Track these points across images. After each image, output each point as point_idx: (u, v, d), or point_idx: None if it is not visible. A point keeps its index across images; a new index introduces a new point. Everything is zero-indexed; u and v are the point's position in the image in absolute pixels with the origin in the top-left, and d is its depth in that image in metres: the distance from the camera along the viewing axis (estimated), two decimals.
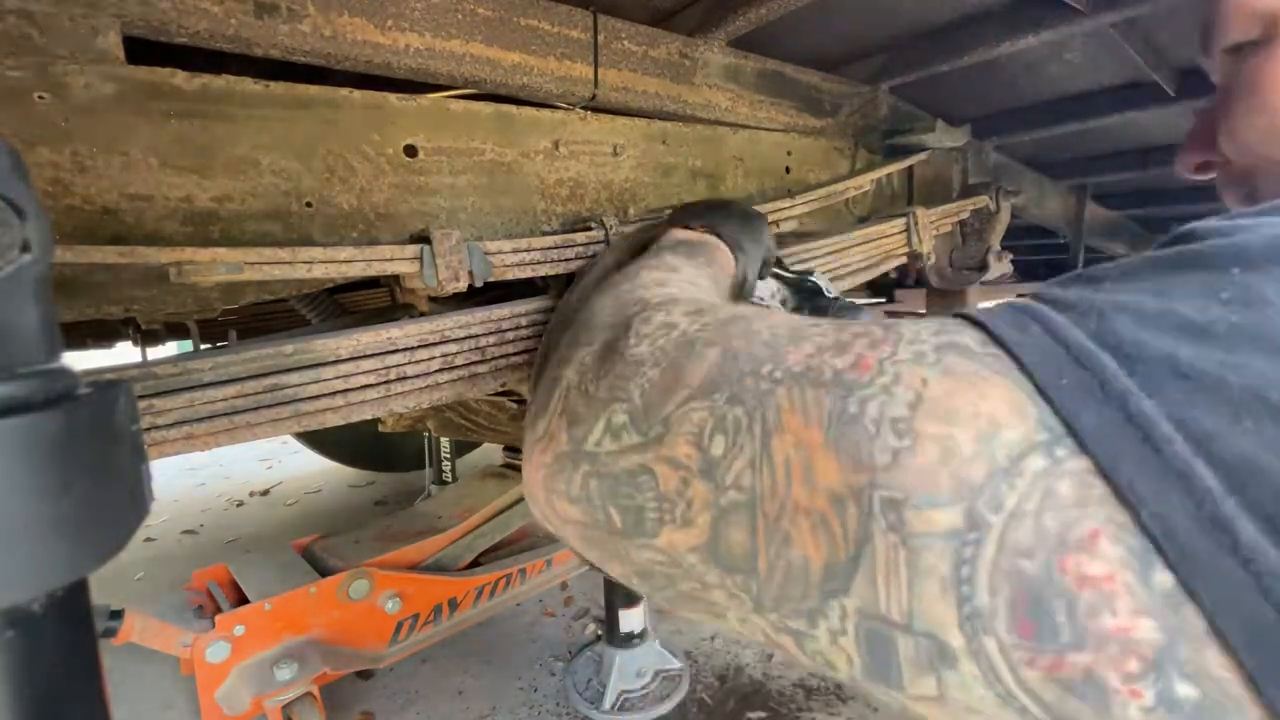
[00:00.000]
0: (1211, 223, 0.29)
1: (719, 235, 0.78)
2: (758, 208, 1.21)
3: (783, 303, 0.95)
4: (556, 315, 0.95)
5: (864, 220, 1.52)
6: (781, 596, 0.30)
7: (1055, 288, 0.32)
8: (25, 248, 0.30)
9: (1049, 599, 0.23)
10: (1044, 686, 0.23)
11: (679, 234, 0.78)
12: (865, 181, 1.44)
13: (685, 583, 0.34)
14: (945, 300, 2.03)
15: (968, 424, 0.26)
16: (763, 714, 1.60)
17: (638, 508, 0.35)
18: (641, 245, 0.98)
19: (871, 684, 0.28)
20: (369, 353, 0.79)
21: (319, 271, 0.77)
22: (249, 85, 0.78)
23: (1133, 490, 0.23)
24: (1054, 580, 0.23)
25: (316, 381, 0.75)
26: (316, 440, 3.18)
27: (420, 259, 0.83)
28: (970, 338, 0.30)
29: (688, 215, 0.81)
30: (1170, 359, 0.24)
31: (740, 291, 0.78)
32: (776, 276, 0.95)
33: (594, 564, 0.42)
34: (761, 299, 0.92)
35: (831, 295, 0.94)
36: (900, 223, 1.44)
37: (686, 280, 0.57)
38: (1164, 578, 0.22)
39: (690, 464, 0.33)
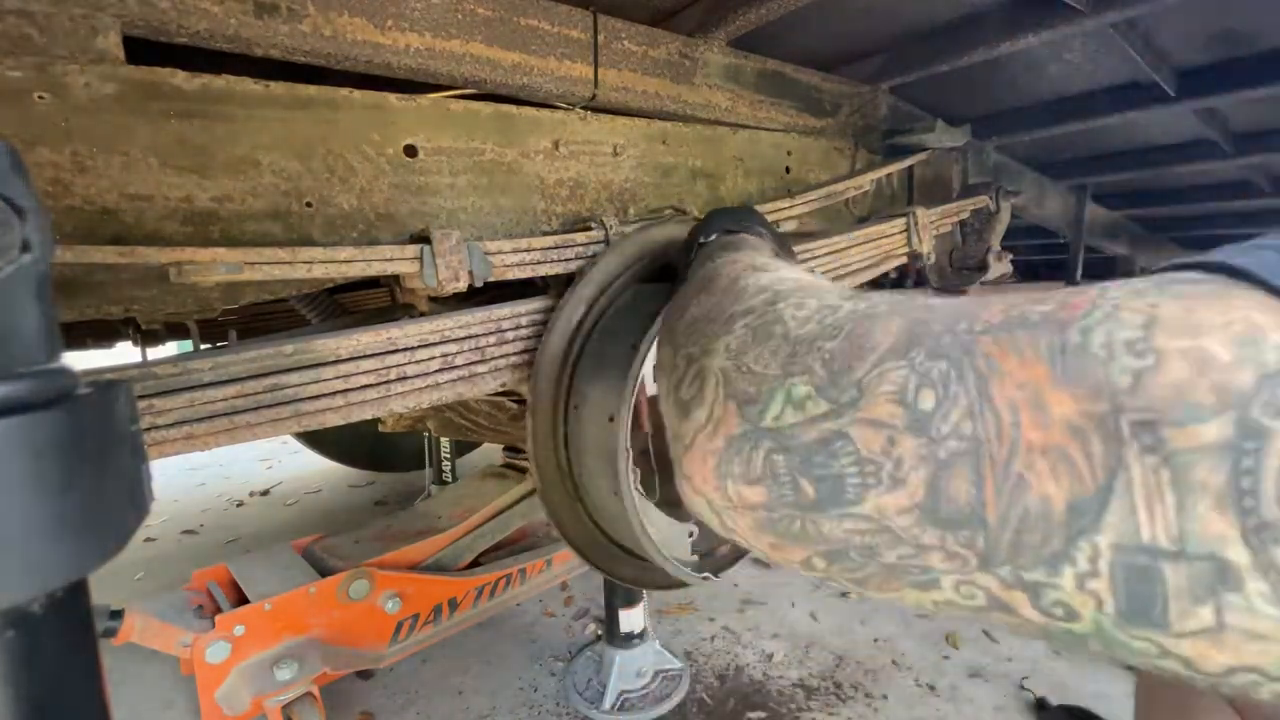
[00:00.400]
0: None
1: (753, 231, 0.79)
2: (758, 207, 1.21)
3: None
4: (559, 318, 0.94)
5: (864, 220, 1.52)
6: (1017, 545, 0.28)
7: (1252, 247, 0.30)
8: (25, 248, 0.30)
9: None
10: None
11: (721, 237, 0.77)
12: (865, 181, 1.44)
13: (892, 552, 0.32)
14: None
15: (1219, 332, 0.25)
16: (762, 714, 1.60)
17: (835, 475, 0.33)
18: (644, 254, 0.98)
19: (1126, 627, 0.26)
20: (369, 353, 0.79)
21: (319, 271, 0.77)
22: (249, 85, 0.78)
23: None
24: None
25: (316, 381, 0.75)
26: (316, 440, 3.18)
27: (420, 259, 0.83)
28: (1188, 274, 0.28)
29: (704, 232, 0.81)
30: None
31: None
32: None
33: (768, 553, 0.39)
34: None
35: None
36: (900, 223, 1.44)
37: (767, 268, 0.56)
38: None
39: (895, 421, 0.31)
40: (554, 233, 1.00)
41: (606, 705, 1.64)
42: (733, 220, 0.82)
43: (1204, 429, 0.24)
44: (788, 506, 0.36)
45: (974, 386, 0.30)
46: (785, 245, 0.84)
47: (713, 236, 0.78)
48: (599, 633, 1.90)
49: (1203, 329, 0.25)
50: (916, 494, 0.31)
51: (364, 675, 1.81)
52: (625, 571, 1.06)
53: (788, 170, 1.42)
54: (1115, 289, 0.29)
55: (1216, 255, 0.29)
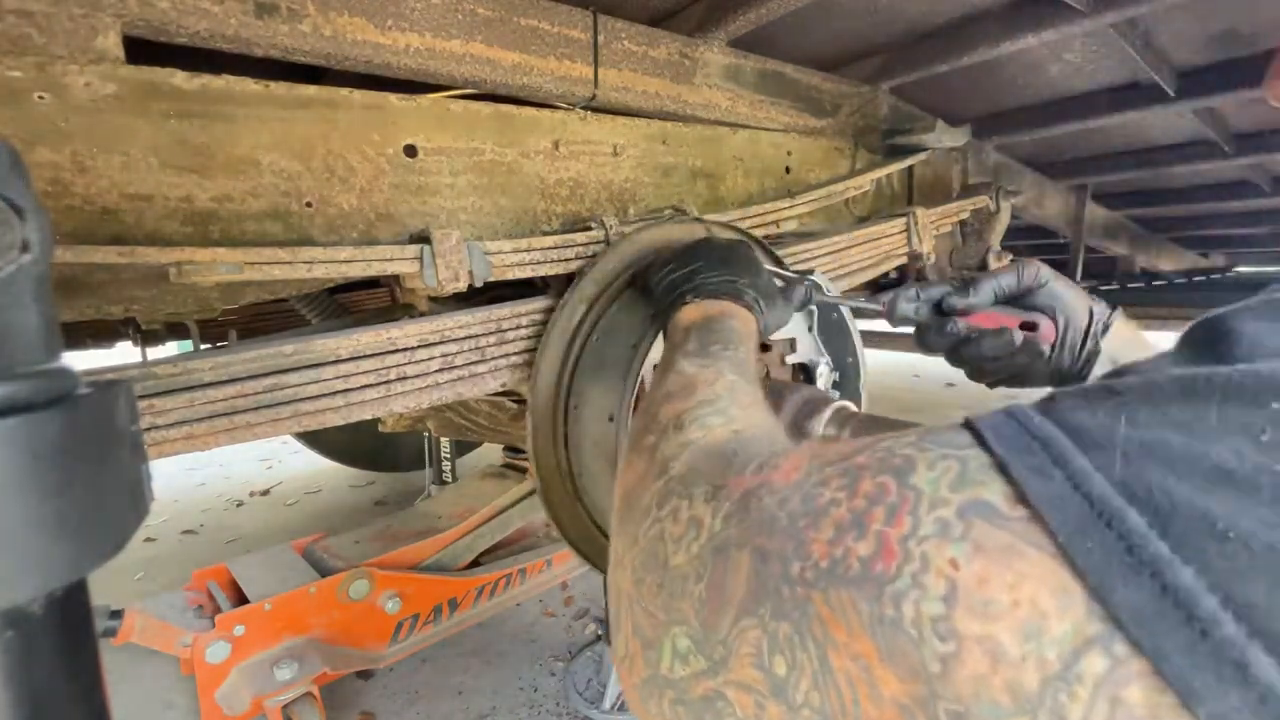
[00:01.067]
0: (1243, 326, 0.28)
1: (736, 299, 0.74)
2: (758, 207, 1.22)
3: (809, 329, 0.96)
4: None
5: (864, 220, 1.52)
6: None
7: (1078, 407, 0.29)
8: (25, 248, 0.30)
9: None
10: None
11: (689, 314, 0.72)
12: (865, 181, 1.44)
13: None
14: None
15: (1008, 617, 0.24)
16: None
17: None
18: (644, 254, 0.97)
19: None
20: (369, 353, 0.79)
21: (319, 271, 0.77)
22: (249, 85, 0.78)
23: (1188, 689, 0.21)
24: None
25: (316, 381, 0.75)
26: (317, 440, 3.18)
27: (420, 259, 0.83)
28: (995, 492, 0.28)
29: (688, 285, 0.76)
30: (1205, 516, 0.22)
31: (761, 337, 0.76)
32: (777, 276, 0.95)
33: None
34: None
35: (831, 294, 0.94)
36: (900, 223, 1.44)
37: (705, 401, 0.54)
38: None
39: (759, 687, 0.32)
40: (554, 233, 1.00)
41: (606, 705, 1.64)
42: (721, 269, 0.76)
43: None
44: None
45: (815, 656, 0.30)
46: (757, 275, 0.79)
47: (688, 299, 0.74)
48: (599, 633, 1.90)
49: (995, 611, 0.25)
50: None
51: (364, 675, 1.81)
52: None
53: (788, 170, 1.42)
54: (928, 511, 0.28)
55: (1027, 454, 0.28)
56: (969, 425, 0.31)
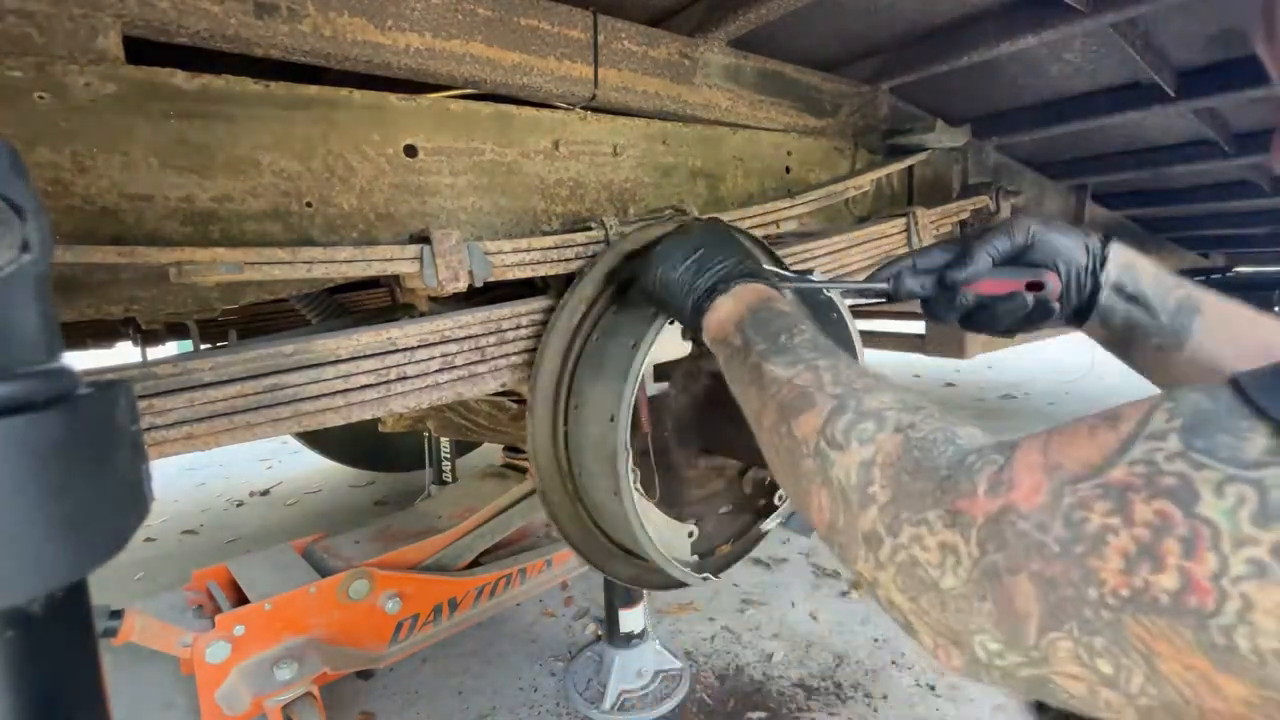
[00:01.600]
0: None
1: (756, 279, 0.73)
2: (758, 207, 1.22)
3: None
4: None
5: (864, 220, 1.52)
6: None
7: None
8: (25, 247, 0.30)
9: None
10: None
11: (727, 311, 0.70)
12: (865, 181, 1.44)
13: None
14: None
15: None
16: (763, 714, 1.60)
17: (1061, 702, 0.37)
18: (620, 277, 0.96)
19: None
20: (369, 353, 0.79)
21: (319, 271, 0.77)
22: (249, 85, 0.78)
23: None
24: None
25: (316, 381, 0.75)
26: (316, 440, 3.18)
27: (420, 259, 0.83)
28: None
29: (704, 280, 0.74)
30: None
31: None
32: (776, 275, 0.95)
33: None
34: None
35: (829, 295, 0.94)
36: (900, 223, 1.44)
37: (836, 410, 0.53)
38: None
39: (1088, 678, 0.34)
40: (554, 233, 1.00)
41: (606, 705, 1.64)
42: (723, 254, 0.75)
43: None
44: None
45: (1142, 663, 0.32)
46: (751, 250, 0.80)
47: (715, 296, 0.71)
48: (599, 633, 1.90)
49: None
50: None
51: (364, 675, 1.81)
52: (625, 571, 1.06)
53: (788, 170, 1.42)
54: (1233, 548, 0.29)
55: None
56: (1243, 401, 0.31)
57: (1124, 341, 0.72)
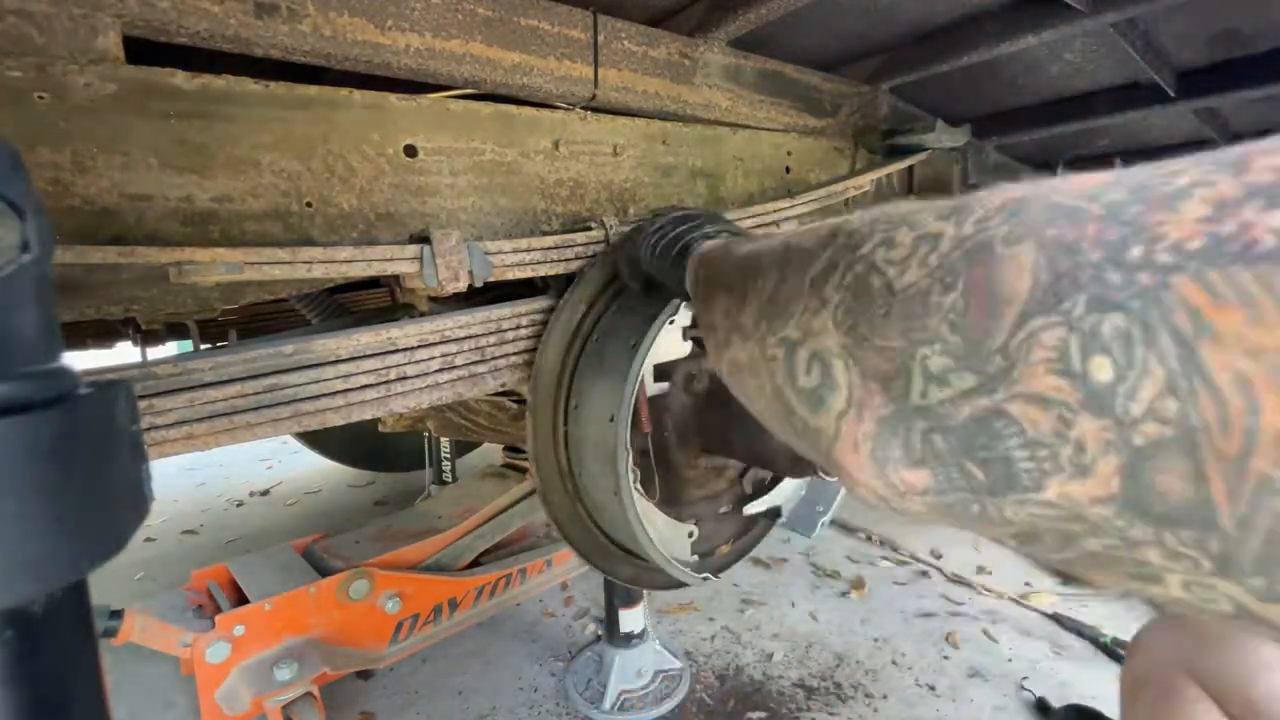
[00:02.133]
0: None
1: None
2: (758, 207, 1.22)
3: None
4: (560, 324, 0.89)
5: None
6: (1271, 558, 0.22)
7: None
8: (25, 248, 0.30)
9: None
10: None
11: (708, 251, 0.68)
12: (865, 181, 1.44)
13: (1094, 540, 0.27)
14: None
15: None
16: (763, 714, 1.60)
17: (1003, 459, 0.28)
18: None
19: None
20: (369, 353, 0.79)
21: (319, 271, 0.77)
22: (249, 85, 0.78)
23: None
24: None
25: (316, 381, 0.75)
26: (316, 440, 3.18)
27: (420, 259, 0.83)
28: None
29: (691, 235, 0.74)
30: None
31: None
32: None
33: (949, 521, 0.34)
34: None
35: None
36: None
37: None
38: None
39: (1064, 398, 0.25)
40: (554, 233, 1.00)
41: (606, 705, 1.64)
42: (716, 223, 0.75)
43: None
44: (959, 490, 0.31)
45: (1174, 354, 0.22)
46: None
47: (699, 244, 0.70)
48: (599, 633, 1.90)
49: None
50: (1109, 483, 0.25)
51: (364, 675, 1.81)
52: (625, 571, 1.06)
53: (788, 170, 1.42)
54: None
55: None
56: None
57: None
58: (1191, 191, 0.25)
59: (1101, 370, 0.24)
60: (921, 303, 0.31)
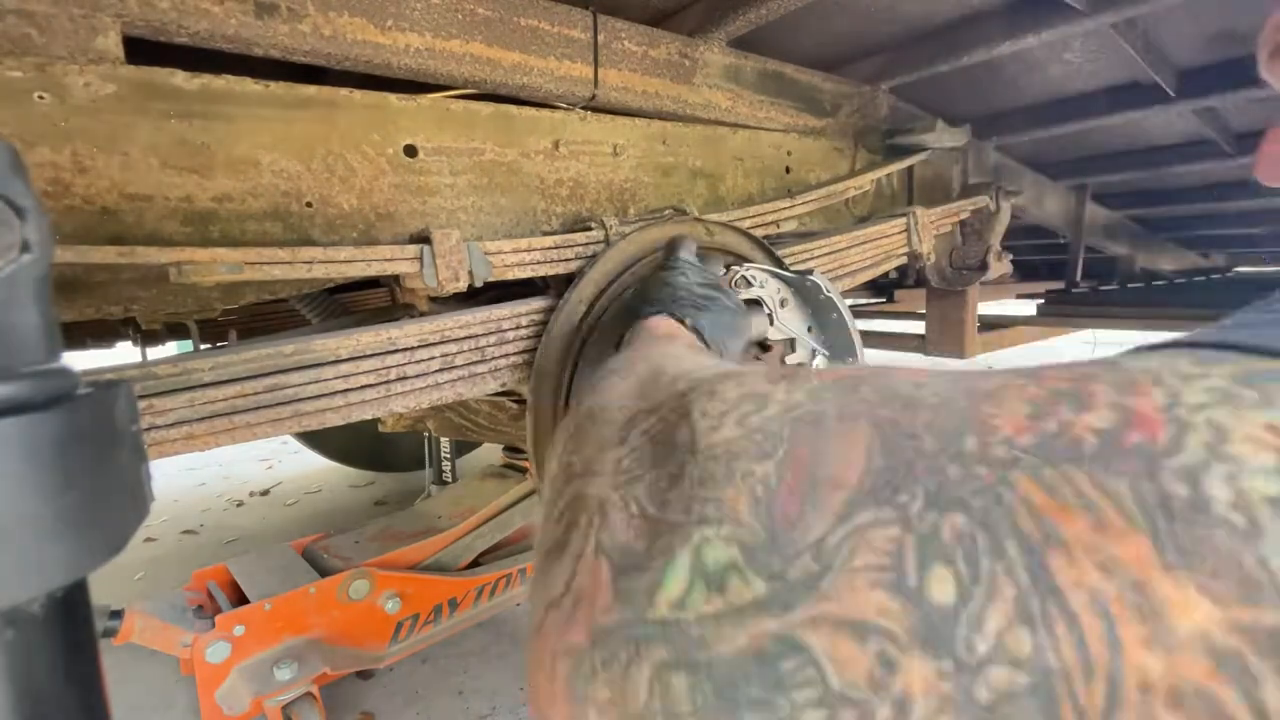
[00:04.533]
0: None
1: (699, 333, 0.67)
2: (758, 207, 1.22)
3: (782, 302, 0.95)
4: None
5: (864, 220, 1.52)
6: None
7: None
8: (25, 248, 0.30)
9: None
10: None
11: (656, 325, 0.65)
12: (865, 181, 1.44)
13: None
14: (945, 300, 2.03)
15: None
16: None
17: None
18: (644, 254, 0.96)
19: None
20: (369, 353, 0.79)
21: (319, 271, 0.77)
22: (249, 85, 0.78)
23: None
24: None
25: (316, 381, 0.75)
26: (316, 440, 3.18)
27: (420, 259, 0.83)
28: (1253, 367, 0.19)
29: (659, 304, 0.69)
30: None
31: None
32: (777, 276, 0.95)
33: None
34: (762, 300, 0.92)
35: (829, 295, 0.94)
36: (900, 223, 1.44)
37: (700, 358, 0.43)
38: None
39: (891, 626, 0.18)
40: (554, 233, 1.00)
41: None
42: (668, 304, 0.70)
43: None
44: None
45: (1023, 565, 0.18)
46: (739, 336, 0.77)
47: (645, 324, 0.66)
48: None
49: None
50: None
51: (364, 675, 1.81)
52: None
53: (788, 170, 1.42)
54: (1180, 380, 0.19)
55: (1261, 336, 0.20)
56: (1218, 346, 0.21)
57: None
58: (1005, 389, 0.22)
59: (942, 586, 0.18)
60: (726, 466, 0.24)
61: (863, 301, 3.64)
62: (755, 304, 0.92)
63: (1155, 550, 0.16)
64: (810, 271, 0.94)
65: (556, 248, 0.95)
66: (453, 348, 0.86)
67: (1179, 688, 0.15)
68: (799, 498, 0.21)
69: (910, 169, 1.66)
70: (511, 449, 2.24)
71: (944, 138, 1.53)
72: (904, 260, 1.49)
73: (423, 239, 0.83)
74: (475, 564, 1.87)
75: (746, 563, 0.21)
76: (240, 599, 1.56)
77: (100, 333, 2.12)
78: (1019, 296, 3.48)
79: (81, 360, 0.65)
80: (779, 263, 1.04)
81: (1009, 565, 0.18)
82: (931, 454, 0.20)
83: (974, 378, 0.23)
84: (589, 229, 0.99)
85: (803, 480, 0.22)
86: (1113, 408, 0.19)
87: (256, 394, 0.71)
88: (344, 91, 0.85)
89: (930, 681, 0.17)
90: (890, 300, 3.47)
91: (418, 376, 0.83)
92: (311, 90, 0.82)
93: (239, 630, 1.43)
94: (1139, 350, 0.23)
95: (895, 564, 0.19)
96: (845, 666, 0.18)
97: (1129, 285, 2.92)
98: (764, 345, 0.96)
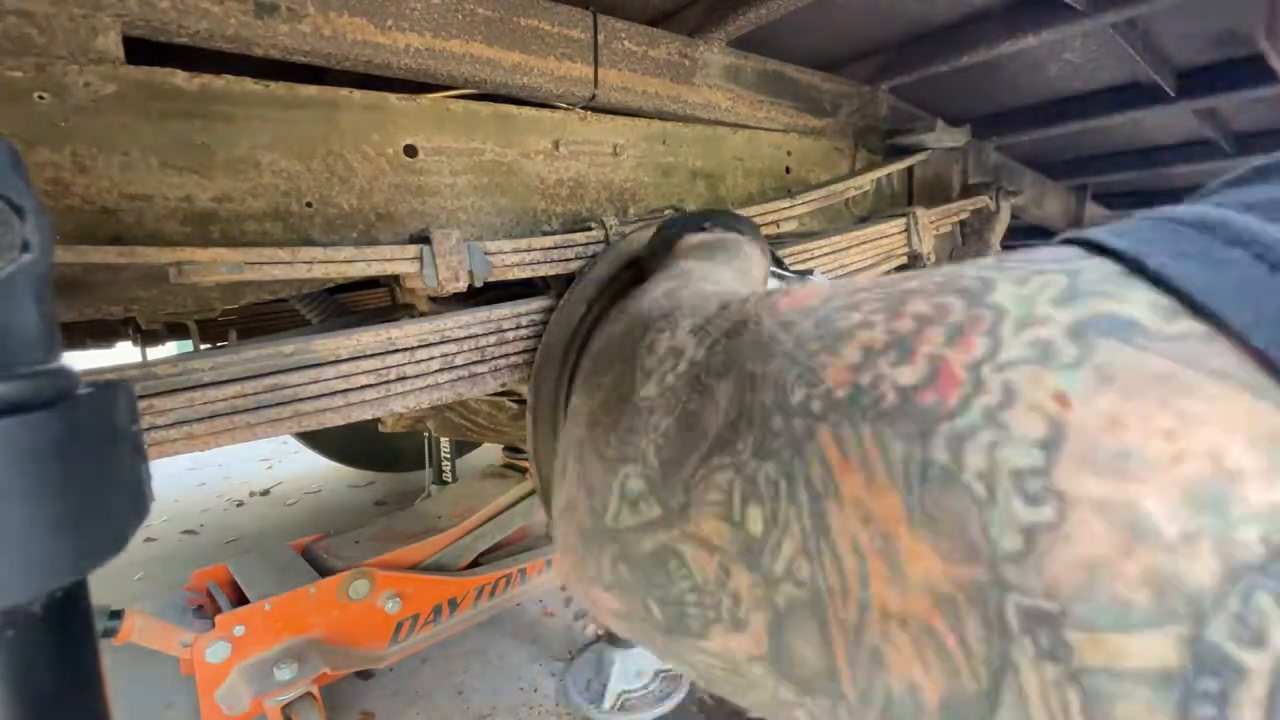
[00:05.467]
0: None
1: (739, 231, 0.71)
2: (758, 207, 1.22)
3: None
4: (545, 351, 0.91)
5: (864, 220, 1.52)
6: None
7: (1241, 184, 0.20)
8: (25, 248, 0.30)
9: None
10: None
11: (693, 238, 0.70)
12: (865, 181, 1.44)
13: (754, 693, 0.26)
14: None
15: (1162, 476, 0.16)
16: None
17: (676, 600, 0.28)
18: (628, 260, 0.97)
19: None
20: (369, 353, 0.79)
21: (319, 271, 0.77)
22: (249, 85, 0.78)
23: None
24: None
25: (316, 381, 0.75)
26: (316, 440, 3.18)
27: (420, 259, 0.83)
28: (1136, 303, 0.18)
29: (696, 218, 0.75)
30: None
31: None
32: (776, 276, 0.95)
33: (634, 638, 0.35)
34: None
35: None
36: (900, 223, 1.44)
37: (700, 279, 0.48)
38: None
39: (725, 545, 0.25)
40: (554, 233, 1.00)
41: (606, 705, 1.64)
42: (731, 219, 0.76)
43: (1131, 643, 0.15)
44: (642, 622, 0.30)
45: (808, 510, 0.22)
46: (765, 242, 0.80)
47: (686, 235, 0.70)
48: (599, 633, 1.90)
49: (1134, 469, 0.16)
50: (760, 642, 0.24)
51: (364, 675, 1.81)
52: None
53: (788, 170, 1.42)
54: (1014, 329, 0.20)
55: (1174, 242, 0.19)
56: (1072, 240, 0.22)
57: None
58: (854, 332, 0.24)
59: (754, 521, 0.24)
60: (645, 419, 0.31)
61: None
62: None
63: (905, 509, 0.20)
64: (810, 272, 0.94)
65: (556, 248, 0.95)
66: (453, 348, 0.86)
67: (908, 617, 0.20)
68: (681, 445, 0.28)
69: (910, 169, 1.66)
70: (511, 449, 2.24)
71: (944, 138, 1.53)
72: (904, 260, 1.49)
73: (423, 239, 0.83)
74: (475, 564, 1.87)
75: (649, 493, 0.29)
76: (240, 599, 1.56)
77: (100, 333, 2.12)
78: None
79: (81, 360, 0.65)
80: (779, 263, 1.03)
81: (799, 510, 0.22)
82: (766, 407, 0.25)
83: (846, 308, 0.26)
84: (589, 229, 0.99)
85: (684, 432, 0.28)
86: (929, 360, 0.21)
87: (256, 394, 0.71)
88: (344, 91, 0.85)
89: (748, 586, 0.24)
90: None
91: (418, 376, 0.83)
92: (311, 90, 0.82)
93: (239, 630, 1.43)
94: (1052, 245, 0.23)
95: (726, 500, 0.25)
96: (703, 569, 0.26)
97: None
98: None
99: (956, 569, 0.18)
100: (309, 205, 0.83)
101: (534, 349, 0.94)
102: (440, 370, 0.85)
